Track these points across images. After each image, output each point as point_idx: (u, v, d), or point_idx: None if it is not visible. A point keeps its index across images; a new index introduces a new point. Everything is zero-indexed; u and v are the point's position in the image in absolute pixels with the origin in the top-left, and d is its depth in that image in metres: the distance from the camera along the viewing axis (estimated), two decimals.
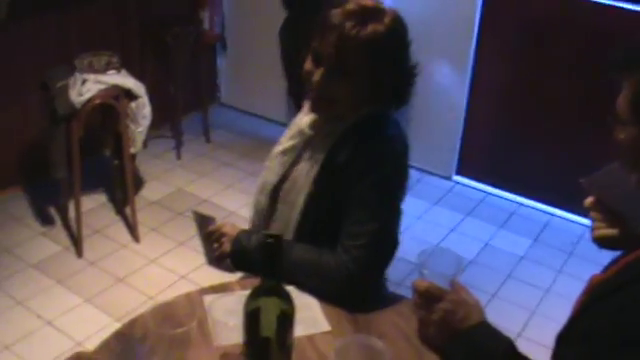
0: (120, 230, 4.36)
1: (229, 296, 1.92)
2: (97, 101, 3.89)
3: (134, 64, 4.67)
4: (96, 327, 3.53)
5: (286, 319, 1.48)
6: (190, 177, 5.02)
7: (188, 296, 1.95)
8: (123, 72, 4.08)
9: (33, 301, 3.74)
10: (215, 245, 2.23)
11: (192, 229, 4.26)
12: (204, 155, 5.34)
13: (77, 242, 4.14)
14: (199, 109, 5.60)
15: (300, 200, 2.13)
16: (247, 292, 1.53)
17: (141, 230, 4.30)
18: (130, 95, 4.03)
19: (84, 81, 3.89)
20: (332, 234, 2.03)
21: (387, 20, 1.99)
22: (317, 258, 1.97)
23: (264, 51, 5.28)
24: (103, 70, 4.00)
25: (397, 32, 2.03)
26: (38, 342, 3.46)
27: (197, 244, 4.12)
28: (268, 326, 1.46)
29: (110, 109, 4.06)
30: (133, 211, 4.27)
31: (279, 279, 1.49)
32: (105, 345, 1.74)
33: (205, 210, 4.35)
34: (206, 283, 3.74)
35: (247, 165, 5.16)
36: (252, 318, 1.48)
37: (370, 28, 1.95)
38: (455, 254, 1.76)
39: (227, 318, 1.78)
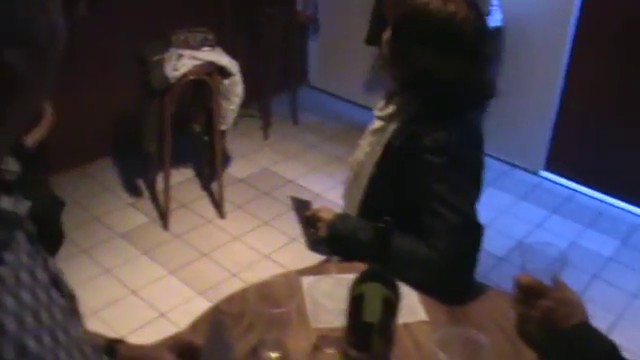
0: (206, 205, 4.41)
1: (328, 279, 1.91)
2: (191, 77, 3.93)
3: (227, 42, 4.69)
4: (179, 299, 3.59)
5: (390, 306, 1.47)
6: (276, 157, 5.04)
7: (286, 276, 1.95)
8: (218, 49, 4.12)
9: (120, 270, 3.81)
10: (312, 229, 2.23)
11: (277, 209, 4.34)
12: (291, 136, 5.36)
13: (164, 215, 4.21)
14: (288, 90, 5.63)
15: (364, 180, 2.15)
16: (346, 276, 1.53)
17: (227, 207, 4.35)
18: (223, 72, 4.07)
19: (179, 56, 3.94)
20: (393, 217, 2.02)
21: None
22: (413, 249, 1.95)
23: (355, 35, 5.25)
24: (198, 46, 4.04)
25: (461, 15, 1.99)
26: (123, 310, 3.53)
27: (280, 224, 4.20)
28: (372, 312, 1.45)
29: (202, 85, 4.10)
30: (220, 188, 4.31)
31: (387, 265, 1.47)
32: (202, 320, 1.76)
33: (296, 193, 4.38)
34: (289, 264, 3.82)
35: (333, 148, 5.16)
36: (356, 303, 1.47)
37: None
38: (560, 249, 1.71)
39: (326, 301, 1.78)
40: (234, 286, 3.70)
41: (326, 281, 1.88)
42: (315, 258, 3.84)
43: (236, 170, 4.81)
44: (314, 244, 2.23)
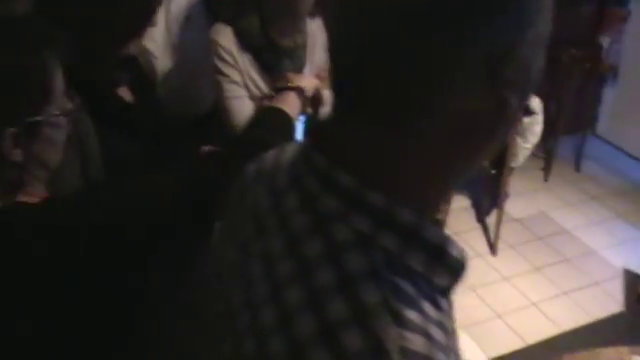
0: (478, 238, 4.34)
1: None
2: None
3: None
4: None
5: None
6: (554, 202, 4.86)
7: (616, 351, 1.84)
8: None
9: None
10: None
11: (550, 256, 4.20)
12: (572, 183, 5.15)
13: None
14: (574, 135, 5.42)
15: None
16: None
17: (499, 244, 4.25)
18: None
19: None
20: None
21: None
22: None
23: None
24: None
25: None
26: None
27: (552, 273, 4.06)
28: None
29: None
30: (497, 224, 4.22)
31: None
32: None
33: (572, 243, 4.25)
34: (557, 318, 3.67)
35: (617, 205, 4.88)
36: None
37: None
38: None
39: None
40: (497, 328, 3.63)
41: None
42: (592, 318, 3.67)
43: (513, 208, 4.68)
44: None
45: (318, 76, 2.63)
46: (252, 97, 2.60)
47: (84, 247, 1.21)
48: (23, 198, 1.28)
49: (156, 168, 1.74)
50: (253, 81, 2.59)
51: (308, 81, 1.97)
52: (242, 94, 2.57)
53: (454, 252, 0.85)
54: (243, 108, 2.55)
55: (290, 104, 1.65)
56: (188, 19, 2.87)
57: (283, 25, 2.58)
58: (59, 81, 1.26)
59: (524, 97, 0.83)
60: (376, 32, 0.74)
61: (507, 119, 0.81)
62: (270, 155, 1.01)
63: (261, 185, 0.95)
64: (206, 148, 1.91)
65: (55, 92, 1.25)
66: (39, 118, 1.22)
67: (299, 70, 2.66)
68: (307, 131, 0.90)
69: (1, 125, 1.18)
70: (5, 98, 1.17)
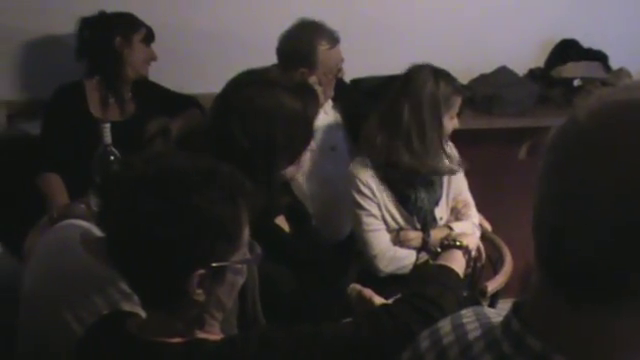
0: None
1: None
2: None
3: None
4: None
5: None
6: None
7: None
8: None
9: None
10: None
11: None
12: None
13: None
14: None
15: None
16: None
17: None
18: None
19: None
20: None
21: None
22: None
23: None
24: None
25: None
26: None
27: None
28: None
29: None
30: None
31: None
32: None
33: None
34: None
35: None
36: None
37: None
38: None
39: None
40: None
41: None
42: None
43: None
44: None
45: (455, 210, 2.69)
46: (389, 230, 2.67)
47: None
48: (201, 335, 1.35)
49: (314, 301, 1.80)
50: (390, 214, 2.66)
51: (473, 240, 2.01)
52: (380, 227, 2.65)
53: None
54: (380, 241, 2.65)
55: (458, 263, 1.69)
56: (332, 149, 2.96)
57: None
58: (246, 231, 1.34)
59: None
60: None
61: None
62: (446, 327, 1.02)
63: None
64: (356, 286, 1.96)
65: (243, 241, 1.33)
66: (226, 264, 1.30)
67: (435, 203, 2.71)
68: (513, 309, 0.89)
69: (190, 266, 1.26)
70: (198, 241, 1.25)
